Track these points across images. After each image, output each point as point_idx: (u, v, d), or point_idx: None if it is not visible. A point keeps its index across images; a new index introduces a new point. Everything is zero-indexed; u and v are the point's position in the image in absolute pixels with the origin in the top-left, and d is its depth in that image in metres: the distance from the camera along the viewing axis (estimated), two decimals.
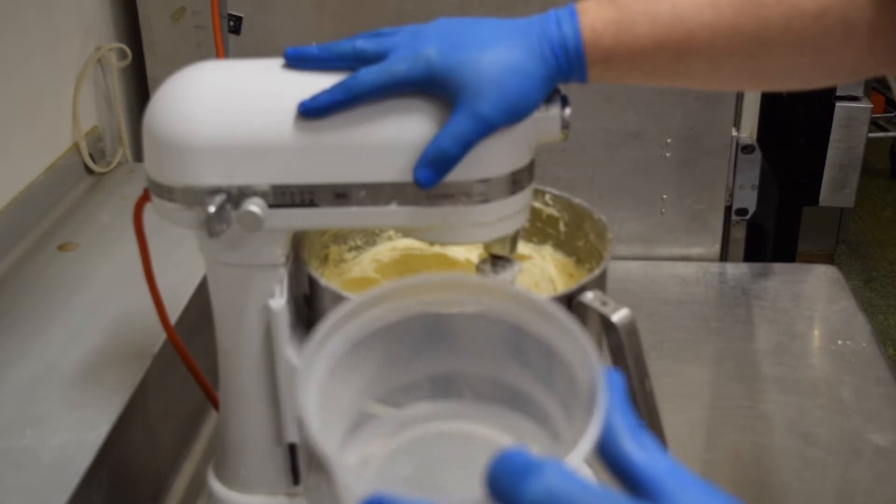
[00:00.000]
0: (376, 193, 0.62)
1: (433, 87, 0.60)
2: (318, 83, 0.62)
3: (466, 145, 0.60)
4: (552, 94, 0.63)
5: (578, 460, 0.36)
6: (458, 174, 0.61)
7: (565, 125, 0.63)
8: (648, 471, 0.37)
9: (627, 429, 0.38)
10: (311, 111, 0.60)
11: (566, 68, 0.61)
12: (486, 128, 0.60)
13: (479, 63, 0.60)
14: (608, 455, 0.38)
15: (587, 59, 0.61)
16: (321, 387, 0.39)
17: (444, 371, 0.44)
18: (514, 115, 0.60)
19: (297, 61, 0.63)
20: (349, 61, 0.62)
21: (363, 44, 0.63)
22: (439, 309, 0.43)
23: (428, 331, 0.43)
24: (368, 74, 0.60)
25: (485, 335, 0.43)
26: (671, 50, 0.61)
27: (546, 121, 0.62)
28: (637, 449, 0.38)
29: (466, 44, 0.61)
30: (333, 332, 0.41)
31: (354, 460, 0.41)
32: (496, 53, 0.60)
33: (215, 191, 0.61)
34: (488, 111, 0.59)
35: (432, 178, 0.60)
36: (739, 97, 1.25)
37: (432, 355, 0.44)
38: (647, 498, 0.37)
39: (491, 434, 0.43)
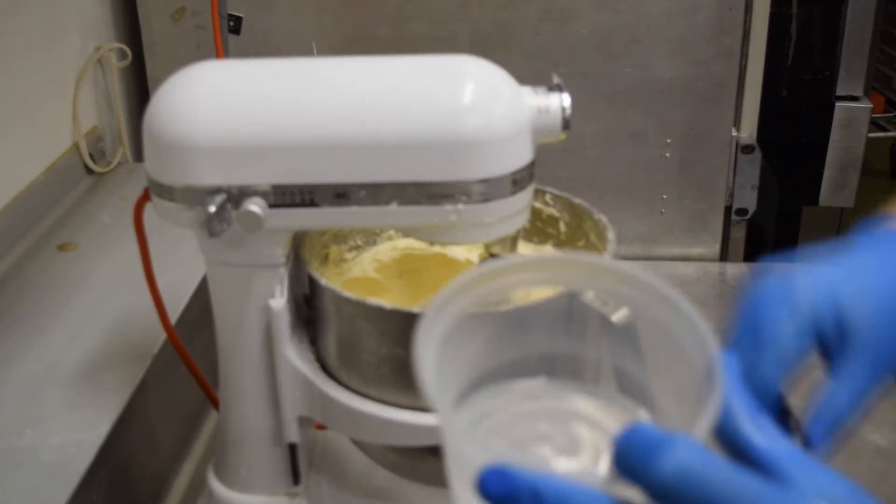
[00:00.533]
0: (376, 193, 0.62)
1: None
2: (320, 83, 0.62)
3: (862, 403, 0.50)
4: (553, 94, 0.63)
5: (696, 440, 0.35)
6: (458, 174, 0.61)
7: (566, 125, 0.63)
8: (769, 453, 0.37)
9: (747, 411, 0.38)
10: None
11: None
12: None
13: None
14: (727, 437, 0.38)
15: None
16: (437, 354, 0.39)
17: (548, 351, 0.44)
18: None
19: None
20: None
21: None
22: (548, 287, 0.43)
23: (536, 308, 0.43)
24: None
25: (593, 315, 0.43)
26: None
27: (547, 120, 0.62)
28: (757, 431, 0.37)
29: None
30: (450, 301, 0.41)
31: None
32: None
33: (215, 191, 0.61)
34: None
35: (828, 441, 0.49)
36: (739, 97, 1.25)
37: (539, 334, 0.44)
38: (770, 480, 0.36)
39: (594, 413, 0.43)
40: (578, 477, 0.35)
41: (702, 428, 0.35)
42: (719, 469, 0.34)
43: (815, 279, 0.51)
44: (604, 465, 0.35)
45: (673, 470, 0.33)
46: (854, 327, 0.49)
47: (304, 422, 0.71)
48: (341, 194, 0.62)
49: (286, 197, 0.62)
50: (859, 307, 0.50)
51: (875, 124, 3.24)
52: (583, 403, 0.43)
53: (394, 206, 0.62)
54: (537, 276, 0.42)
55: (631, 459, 0.34)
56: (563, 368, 0.44)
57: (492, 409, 0.43)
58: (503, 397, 0.43)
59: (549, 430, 0.43)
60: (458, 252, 0.78)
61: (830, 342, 0.50)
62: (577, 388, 0.44)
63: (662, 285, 0.40)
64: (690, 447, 0.34)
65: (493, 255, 0.70)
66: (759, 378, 0.48)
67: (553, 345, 0.44)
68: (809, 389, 0.51)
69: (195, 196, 0.61)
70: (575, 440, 0.42)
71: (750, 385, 0.44)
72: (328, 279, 0.68)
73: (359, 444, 0.74)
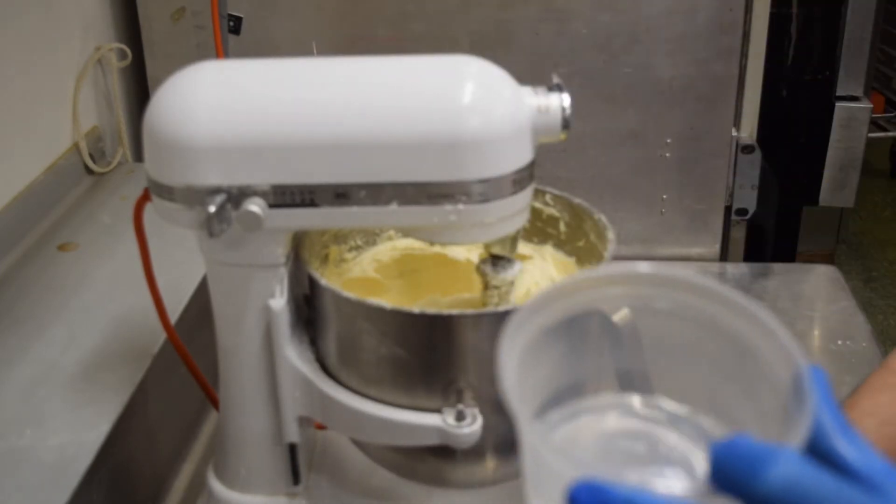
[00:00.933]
0: (376, 193, 0.62)
1: None
2: (320, 83, 0.62)
3: None
4: (553, 94, 0.63)
5: None
6: (458, 174, 0.61)
7: (566, 124, 0.63)
8: (864, 469, 0.36)
9: (838, 426, 0.37)
10: None
11: None
12: None
13: None
14: (819, 453, 0.36)
15: None
16: (518, 365, 0.39)
17: (626, 366, 0.44)
18: None
19: None
20: None
21: None
22: (627, 304, 0.42)
23: (614, 324, 0.43)
24: None
25: (674, 332, 0.42)
26: None
27: (547, 120, 0.62)
28: (850, 447, 0.36)
29: None
30: (534, 313, 0.40)
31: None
32: None
33: (215, 191, 0.61)
34: None
35: None
36: (739, 97, 1.25)
37: (615, 349, 0.43)
38: (874, 495, 0.35)
39: (666, 431, 0.42)
40: (672, 491, 0.34)
41: (797, 441, 0.34)
42: (827, 483, 0.33)
43: None
44: (691, 482, 0.34)
45: (780, 483, 0.32)
46: None
47: (304, 422, 0.71)
48: (341, 194, 0.62)
49: (286, 197, 0.62)
50: None
51: (875, 124, 3.24)
52: (658, 423, 0.43)
53: (394, 206, 0.62)
54: (615, 291, 0.42)
55: (733, 472, 0.33)
56: (641, 384, 0.43)
57: (567, 428, 0.42)
58: (577, 417, 0.43)
59: (628, 448, 0.43)
60: (458, 252, 0.78)
61: None
62: (654, 407, 0.43)
63: (744, 299, 0.40)
64: (796, 460, 0.33)
65: (493, 256, 0.70)
66: None
67: (625, 360, 0.43)
68: None
69: (195, 196, 0.61)
70: (657, 457, 0.41)
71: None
72: (328, 279, 0.68)
73: (359, 444, 0.74)
